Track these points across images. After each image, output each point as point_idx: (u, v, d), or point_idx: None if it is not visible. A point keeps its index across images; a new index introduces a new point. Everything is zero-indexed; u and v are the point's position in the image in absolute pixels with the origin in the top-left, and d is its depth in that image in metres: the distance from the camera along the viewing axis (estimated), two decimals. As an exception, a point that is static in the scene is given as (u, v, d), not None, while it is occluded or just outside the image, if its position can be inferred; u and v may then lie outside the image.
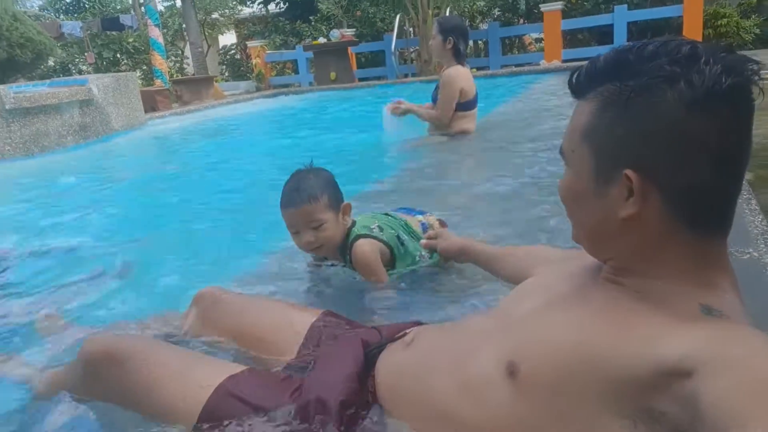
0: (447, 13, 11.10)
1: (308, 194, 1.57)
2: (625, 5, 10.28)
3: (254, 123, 7.51)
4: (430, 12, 10.50)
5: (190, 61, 15.49)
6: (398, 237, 1.73)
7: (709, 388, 0.60)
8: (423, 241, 1.78)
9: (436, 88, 3.99)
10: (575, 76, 0.84)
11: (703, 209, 0.76)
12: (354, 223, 1.72)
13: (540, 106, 5.68)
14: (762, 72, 0.72)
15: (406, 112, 3.97)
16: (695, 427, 0.61)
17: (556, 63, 9.79)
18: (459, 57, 3.87)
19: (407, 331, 1.10)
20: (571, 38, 11.57)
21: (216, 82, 12.32)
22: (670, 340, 0.68)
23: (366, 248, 1.65)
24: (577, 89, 0.84)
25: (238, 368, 1.09)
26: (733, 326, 0.71)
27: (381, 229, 1.72)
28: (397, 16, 11.54)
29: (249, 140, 6.08)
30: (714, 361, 0.62)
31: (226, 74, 17.17)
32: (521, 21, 12.34)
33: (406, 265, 1.76)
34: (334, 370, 1.05)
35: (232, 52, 17.76)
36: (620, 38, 10.18)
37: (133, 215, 3.13)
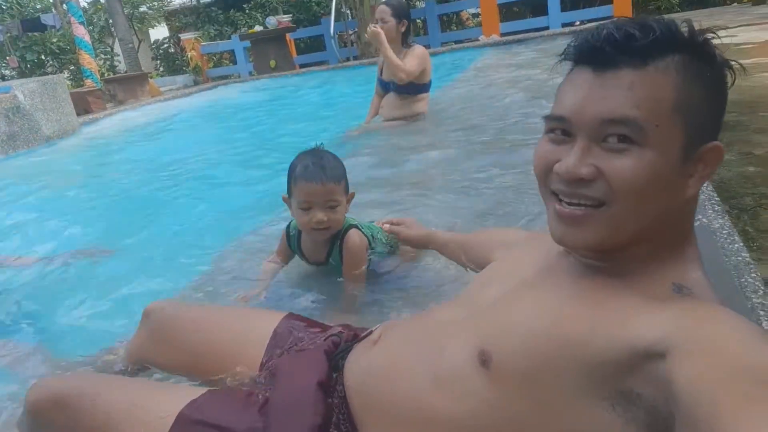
0: (383, -7, 10.99)
1: (335, 173, 1.58)
2: (557, -25, 10.41)
3: (196, 117, 7.27)
4: (366, -8, 10.37)
5: (121, 58, 14.83)
6: (372, 236, 1.75)
7: (682, 370, 0.60)
8: (386, 225, 1.77)
9: (381, 71, 3.91)
10: (621, 38, 0.71)
11: None
12: None
13: (487, 81, 5.72)
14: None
15: (380, 42, 3.73)
16: (670, 408, 0.61)
17: (494, 37, 9.85)
18: (408, 39, 3.83)
19: (373, 329, 1.08)
20: (507, 11, 11.66)
21: (151, 78, 11.86)
22: (642, 322, 0.68)
23: (358, 239, 1.67)
24: (628, 55, 0.71)
25: (197, 391, 1.04)
26: (703, 305, 0.71)
27: (361, 226, 1.74)
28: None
29: (193, 136, 5.88)
30: (686, 343, 0.62)
31: (161, 69, 16.53)
32: (458, -3, 12.35)
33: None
34: (298, 384, 1.01)
35: (165, 45, 17.08)
36: (554, 9, 10.31)
37: (73, 227, 2.97)
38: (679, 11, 10.35)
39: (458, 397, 0.82)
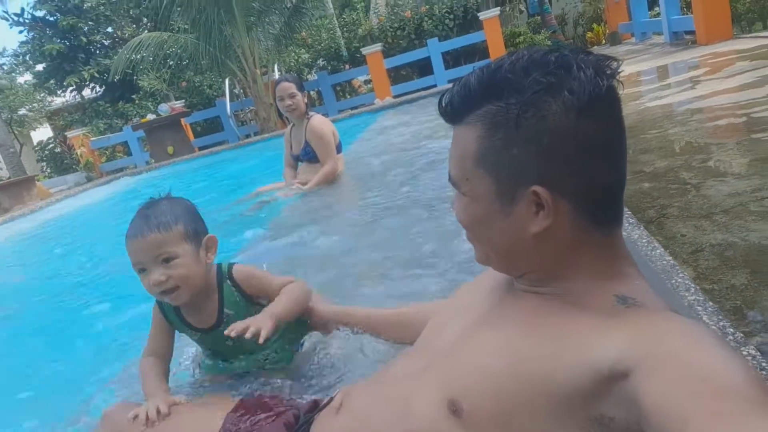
0: (275, 70, 11.23)
1: (158, 222, 1.32)
2: (436, 38, 11.18)
3: (93, 215, 6.90)
4: (258, 71, 10.55)
5: (2, 164, 13.95)
6: None
7: (648, 389, 0.60)
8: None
9: (305, 144, 3.93)
10: (448, 101, 0.81)
11: (605, 206, 0.78)
12: (219, 265, 1.50)
13: (390, 136, 5.91)
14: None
15: (310, 188, 3.87)
16: (642, 427, 0.60)
17: (388, 99, 10.29)
18: (308, 109, 3.95)
19: (333, 395, 1.02)
20: (396, 75, 12.26)
21: (38, 180, 11.19)
22: (599, 342, 0.68)
23: (247, 266, 1.51)
24: (453, 115, 0.81)
25: None
26: (653, 315, 0.72)
27: None
28: (227, 81, 11.43)
29: (93, 234, 5.55)
30: (647, 359, 0.62)
31: (48, 171, 15.69)
32: (346, 67, 12.84)
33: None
34: None
35: (51, 145, 16.30)
36: (438, 68, 11.01)
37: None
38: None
39: None
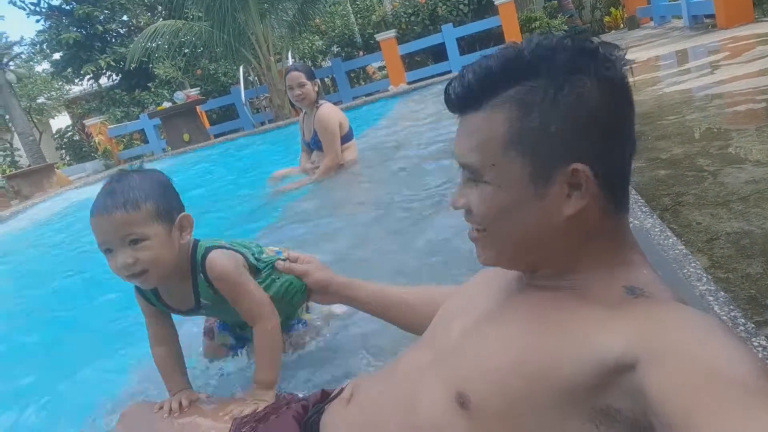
0: (289, 58, 11.22)
1: (125, 198, 1.18)
2: (450, 23, 11.07)
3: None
4: (273, 59, 10.55)
5: (22, 152, 14.17)
6: (252, 254, 1.45)
7: (654, 381, 0.60)
8: (279, 262, 1.46)
9: (314, 133, 3.96)
10: (464, 88, 0.77)
11: (622, 189, 0.78)
12: (196, 242, 1.37)
13: (404, 128, 5.90)
14: None
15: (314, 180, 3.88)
16: (649, 418, 0.61)
17: (403, 86, 10.24)
18: (319, 95, 3.95)
19: (343, 386, 1.04)
20: (410, 61, 12.19)
21: (57, 168, 11.36)
22: (605, 335, 0.68)
23: (225, 258, 1.33)
24: (471, 100, 0.77)
25: None
26: (661, 306, 0.71)
27: (230, 245, 1.42)
28: (241, 68, 11.45)
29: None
30: (654, 351, 0.62)
31: (67, 159, 15.90)
32: (361, 53, 12.79)
33: (277, 287, 1.45)
34: None
35: (69, 133, 16.51)
36: (453, 53, 10.92)
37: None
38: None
39: None
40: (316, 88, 3.89)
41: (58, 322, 2.83)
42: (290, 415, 1.04)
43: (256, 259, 1.44)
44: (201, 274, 1.32)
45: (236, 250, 1.40)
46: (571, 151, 0.73)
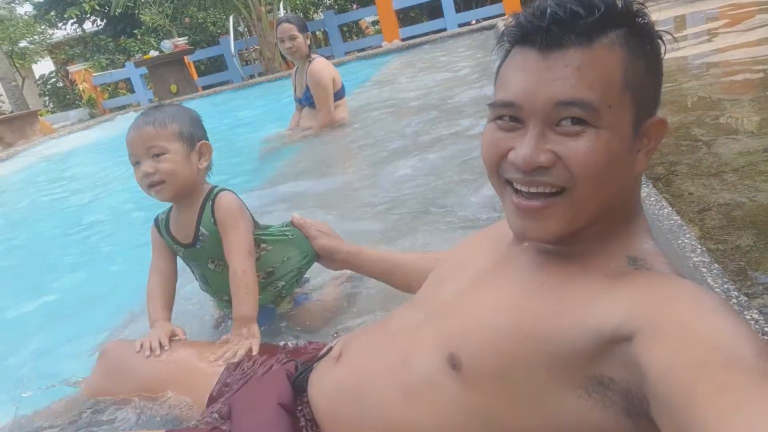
0: (280, 9, 10.91)
1: (155, 118, 1.39)
2: (448, -21, 10.80)
3: (99, 151, 6.87)
4: (263, 9, 10.26)
5: (4, 98, 13.78)
6: (266, 226, 1.56)
7: (652, 355, 0.59)
8: (295, 215, 1.56)
9: (306, 89, 3.87)
10: (565, 17, 0.69)
11: None
12: (217, 186, 1.52)
13: (399, 81, 5.81)
14: None
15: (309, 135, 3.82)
16: (644, 391, 0.60)
17: (396, 42, 10.04)
18: (311, 49, 3.85)
19: (332, 344, 1.04)
20: (404, 16, 11.92)
21: (41, 115, 11.10)
22: (604, 305, 0.67)
23: (232, 199, 1.46)
24: (573, 34, 0.69)
25: None
26: (661, 279, 0.71)
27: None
28: (230, 18, 11.13)
29: (96, 171, 5.54)
30: (652, 324, 0.61)
31: (51, 106, 15.53)
32: (354, 6, 12.48)
33: (283, 250, 1.52)
34: (261, 411, 0.97)
35: (53, 80, 16.07)
36: (449, 11, 10.69)
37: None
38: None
39: (431, 404, 0.80)
40: (308, 42, 3.80)
41: (32, 269, 2.82)
42: (283, 373, 1.04)
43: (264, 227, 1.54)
44: (209, 204, 1.46)
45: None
46: (656, 103, 0.75)
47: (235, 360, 1.24)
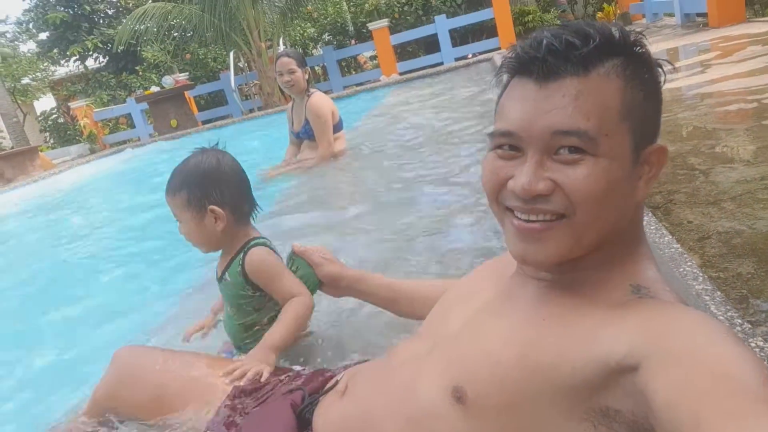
0: (280, 44, 11.11)
1: (171, 184, 1.43)
2: (444, 14, 11.02)
3: (97, 186, 6.90)
4: (263, 45, 10.44)
5: (5, 134, 13.90)
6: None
7: (657, 385, 0.58)
8: (296, 244, 1.52)
9: (305, 122, 3.90)
10: (561, 48, 0.70)
11: None
12: (255, 238, 1.51)
13: (398, 117, 5.87)
14: None
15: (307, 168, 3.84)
16: (650, 422, 0.60)
17: (395, 76, 10.19)
18: (309, 86, 3.91)
19: (337, 378, 1.03)
20: (402, 51, 12.13)
21: (41, 151, 11.17)
22: (609, 335, 0.66)
23: (262, 252, 1.45)
24: (569, 63, 0.71)
25: None
26: (665, 308, 0.70)
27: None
28: (231, 54, 11.32)
29: (96, 205, 5.56)
30: (657, 354, 0.61)
31: (51, 141, 15.65)
32: (352, 42, 12.70)
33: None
34: None
35: (54, 116, 16.24)
36: (445, 45, 10.88)
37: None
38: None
39: None
40: (307, 76, 3.86)
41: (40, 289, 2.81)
42: (288, 402, 1.03)
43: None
44: (241, 256, 1.47)
45: (274, 249, 1.51)
46: (656, 131, 0.76)
47: (241, 383, 1.22)
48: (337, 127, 3.99)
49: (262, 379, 1.24)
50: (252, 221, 1.54)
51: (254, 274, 1.44)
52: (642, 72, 0.74)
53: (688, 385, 0.56)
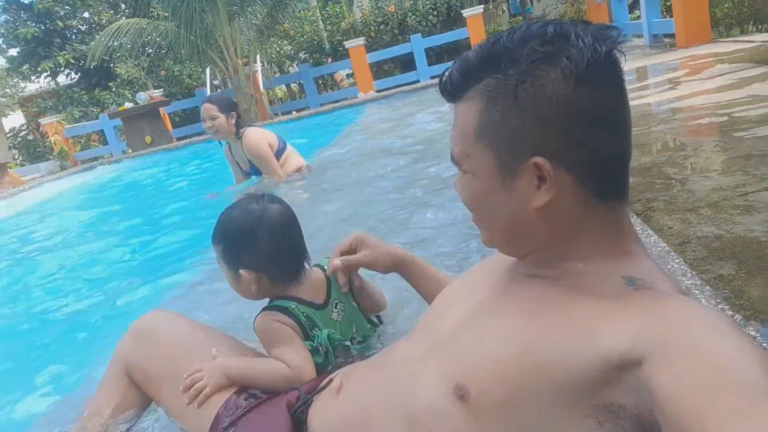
0: (257, 61, 11.11)
1: (213, 234, 1.34)
2: (419, 34, 11.19)
3: (67, 203, 6.75)
4: (240, 61, 10.42)
5: (-28, 150, 13.54)
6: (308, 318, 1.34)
7: (662, 379, 0.58)
8: (336, 260, 1.35)
9: (249, 162, 3.88)
10: (448, 78, 0.80)
11: (608, 178, 0.76)
12: (279, 298, 1.36)
13: (374, 132, 5.89)
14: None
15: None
16: (655, 416, 0.59)
17: (372, 93, 10.27)
18: (239, 126, 3.84)
19: (332, 376, 1.01)
20: (378, 70, 12.24)
21: (10, 168, 10.90)
22: (608, 329, 0.66)
23: (267, 320, 1.31)
24: (453, 91, 0.80)
25: None
26: (664, 299, 0.70)
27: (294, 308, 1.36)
28: (207, 70, 11.27)
29: (66, 222, 5.42)
30: (661, 348, 0.61)
31: (20, 159, 15.31)
32: (329, 60, 12.77)
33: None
34: None
35: (23, 133, 15.92)
36: (421, 63, 11.03)
37: None
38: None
39: None
40: (233, 120, 3.77)
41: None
42: (283, 403, 1.01)
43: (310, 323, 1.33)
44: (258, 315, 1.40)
45: (293, 313, 1.31)
46: (535, 144, 0.73)
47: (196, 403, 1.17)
48: (281, 150, 3.92)
49: (199, 399, 1.17)
50: (298, 279, 1.36)
51: (257, 335, 1.34)
52: (507, 88, 0.73)
53: (693, 380, 0.56)
